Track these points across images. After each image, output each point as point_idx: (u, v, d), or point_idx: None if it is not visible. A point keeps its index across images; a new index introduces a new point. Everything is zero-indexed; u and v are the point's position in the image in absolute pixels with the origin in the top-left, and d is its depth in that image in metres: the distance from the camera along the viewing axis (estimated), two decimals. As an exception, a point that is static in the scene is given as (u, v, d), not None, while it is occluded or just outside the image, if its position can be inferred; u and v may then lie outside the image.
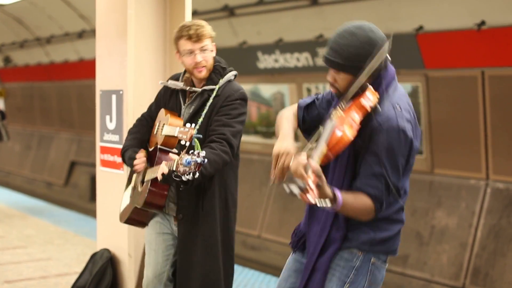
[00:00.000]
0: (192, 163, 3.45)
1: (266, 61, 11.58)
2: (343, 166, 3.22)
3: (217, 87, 4.10)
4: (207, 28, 4.10)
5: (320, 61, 10.42)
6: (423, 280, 9.29)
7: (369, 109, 3.10)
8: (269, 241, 11.99)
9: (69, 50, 16.83)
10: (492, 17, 8.16)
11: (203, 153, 3.48)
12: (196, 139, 3.81)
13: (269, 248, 11.95)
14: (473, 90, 8.76)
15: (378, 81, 3.20)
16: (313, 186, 2.84)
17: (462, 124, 9.09)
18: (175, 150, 4.05)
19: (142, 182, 4.17)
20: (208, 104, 4.06)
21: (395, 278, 9.45)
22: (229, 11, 11.40)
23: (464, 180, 9.20)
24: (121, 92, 5.36)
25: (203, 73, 4.10)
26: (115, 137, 5.43)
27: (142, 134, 4.33)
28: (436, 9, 8.70)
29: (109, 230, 5.60)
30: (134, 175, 4.35)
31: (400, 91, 3.27)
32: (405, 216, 3.36)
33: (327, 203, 2.99)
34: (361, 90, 3.14)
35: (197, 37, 4.03)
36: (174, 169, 3.55)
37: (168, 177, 3.68)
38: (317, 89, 11.15)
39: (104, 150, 5.60)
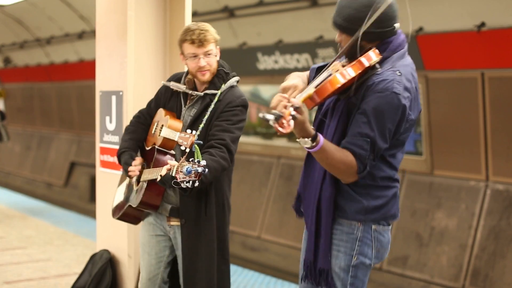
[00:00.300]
0: (193, 172, 3.44)
1: (266, 62, 11.59)
2: (335, 122, 3.22)
3: (219, 92, 4.10)
4: (211, 32, 4.08)
5: (320, 62, 10.43)
6: (423, 281, 9.29)
7: (367, 65, 3.10)
8: (268, 242, 11.99)
9: (69, 51, 16.84)
10: (492, 18, 8.16)
11: (203, 162, 3.46)
12: (196, 145, 3.81)
13: (268, 249, 11.95)
14: (473, 91, 8.76)
15: (384, 45, 3.21)
16: (289, 117, 2.86)
17: (462, 126, 9.10)
18: (173, 152, 4.05)
19: (138, 181, 4.17)
20: (210, 109, 4.05)
21: (394, 279, 9.46)
22: (229, 12, 11.41)
23: (464, 181, 9.20)
24: (121, 93, 5.36)
25: (207, 76, 4.10)
26: (115, 138, 5.43)
27: (138, 134, 4.30)
28: (436, 11, 8.71)
29: (108, 231, 5.60)
30: None
31: (407, 60, 3.26)
32: (398, 184, 3.34)
33: (306, 142, 3.01)
34: (365, 51, 3.16)
35: (200, 42, 4.02)
36: (173, 175, 3.54)
37: (167, 182, 3.67)
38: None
39: (104, 151, 5.60)
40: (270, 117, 2.86)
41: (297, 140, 3.02)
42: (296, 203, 3.59)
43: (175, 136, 3.92)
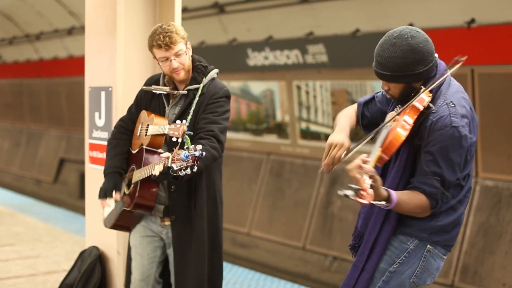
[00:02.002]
0: (190, 157, 3.43)
1: (256, 58, 11.57)
2: (402, 165, 3.28)
3: (201, 85, 4.11)
4: (177, 32, 4.05)
5: (310, 59, 10.43)
6: (413, 278, 9.31)
7: (421, 109, 3.17)
8: (258, 239, 11.99)
9: (58, 47, 16.79)
10: (482, 15, 8.18)
11: (199, 146, 3.47)
12: (187, 136, 3.80)
13: (258, 246, 11.95)
14: (463, 87, 8.77)
15: (430, 81, 3.26)
16: (368, 187, 2.93)
17: (452, 122, 9.11)
18: (161, 150, 4.03)
19: (128, 185, 4.15)
20: (195, 102, 4.06)
21: (384, 275, 9.47)
22: (219, 8, 11.39)
23: (454, 177, 9.22)
24: (110, 89, 5.34)
25: (181, 75, 4.09)
26: (104, 134, 5.41)
27: (121, 146, 4.28)
28: (426, 7, 8.71)
29: (98, 227, 5.57)
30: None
31: (454, 86, 3.33)
32: (465, 207, 3.36)
33: (381, 203, 3.09)
34: (415, 93, 3.23)
35: (167, 46, 4.01)
36: (169, 165, 3.52)
37: (165, 174, 3.65)
38: (307, 86, 11.16)
39: (93, 147, 5.58)
40: (350, 193, 2.95)
41: (369, 202, 3.03)
42: (356, 242, 3.53)
43: (165, 129, 3.89)
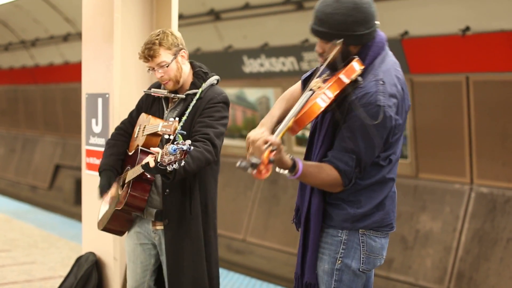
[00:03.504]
0: (178, 151, 3.44)
1: (251, 65, 11.60)
2: (322, 136, 3.17)
3: (200, 90, 4.12)
4: (162, 43, 4.03)
5: (305, 66, 10.46)
6: (408, 284, 9.32)
7: (347, 82, 3.01)
8: (254, 245, 11.99)
9: (54, 53, 16.79)
10: (476, 22, 8.21)
11: (188, 141, 3.47)
12: (179, 135, 3.80)
13: (254, 252, 11.95)
14: (458, 95, 8.81)
15: (364, 51, 3.12)
16: (267, 163, 2.83)
17: (447, 129, 9.14)
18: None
19: (122, 186, 4.16)
20: (191, 105, 4.07)
21: (379, 282, 9.48)
22: (215, 15, 11.42)
23: (449, 184, 9.25)
24: (107, 96, 5.36)
25: (169, 86, 4.11)
26: (101, 141, 5.43)
27: (119, 147, 4.29)
28: (421, 15, 8.75)
29: (94, 233, 5.57)
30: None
31: (389, 62, 3.17)
32: (390, 189, 3.22)
33: (285, 172, 2.99)
34: (347, 62, 3.07)
35: (147, 58, 4.04)
36: (159, 160, 3.53)
37: (155, 169, 3.65)
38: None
39: (90, 153, 5.59)
40: (246, 165, 2.83)
41: (276, 170, 2.99)
42: (296, 216, 3.45)
43: (158, 126, 3.89)
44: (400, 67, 3.23)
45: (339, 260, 3.15)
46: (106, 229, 4.33)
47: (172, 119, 3.91)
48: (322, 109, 2.98)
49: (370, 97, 2.99)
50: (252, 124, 12.41)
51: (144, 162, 3.73)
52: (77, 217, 11.83)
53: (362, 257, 3.16)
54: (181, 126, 3.98)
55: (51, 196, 18.30)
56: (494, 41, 8.18)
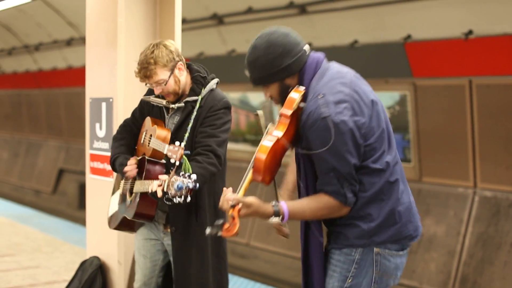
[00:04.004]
0: (184, 188, 3.46)
1: (255, 70, 11.59)
2: (304, 176, 3.19)
3: (199, 97, 4.08)
4: (157, 61, 3.97)
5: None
6: (411, 288, 9.32)
7: (290, 114, 3.08)
8: (257, 249, 11.99)
9: (57, 58, 16.82)
10: (479, 26, 8.22)
11: (194, 177, 3.48)
12: (184, 157, 3.81)
13: (258, 256, 11.95)
14: (461, 98, 8.81)
15: (301, 78, 3.18)
16: (231, 218, 2.97)
17: (450, 133, 9.14)
18: (163, 161, 4.04)
19: (131, 191, 4.17)
20: (193, 117, 4.04)
21: (383, 286, 9.47)
22: (218, 20, 11.43)
23: (452, 188, 9.24)
24: (111, 100, 5.37)
25: (170, 98, 4.09)
26: (105, 145, 5.44)
27: (127, 140, 4.30)
28: (424, 18, 8.76)
29: (98, 237, 5.59)
30: (122, 181, 4.35)
31: (329, 74, 3.17)
32: (399, 193, 3.15)
33: (275, 219, 3.04)
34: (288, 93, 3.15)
35: (142, 79, 4.03)
36: (165, 190, 3.55)
37: (159, 198, 3.69)
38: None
39: (94, 157, 5.60)
40: (214, 230, 3.00)
41: (268, 221, 3.04)
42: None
43: (164, 148, 3.87)
44: (350, 72, 3.23)
45: (350, 278, 3.13)
46: (117, 228, 4.36)
47: (177, 143, 3.85)
48: (269, 149, 3.04)
49: (313, 115, 3.02)
50: (255, 128, 12.41)
51: (151, 189, 3.74)
52: (81, 221, 11.82)
53: (375, 277, 3.13)
54: (184, 146, 3.95)
55: (54, 201, 18.32)
56: (497, 45, 8.18)
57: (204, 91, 4.11)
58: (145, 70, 3.98)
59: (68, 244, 8.96)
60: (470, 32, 8.27)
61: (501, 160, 8.72)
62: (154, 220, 4.20)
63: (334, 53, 10.03)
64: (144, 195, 4.00)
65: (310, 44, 10.64)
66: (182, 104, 4.10)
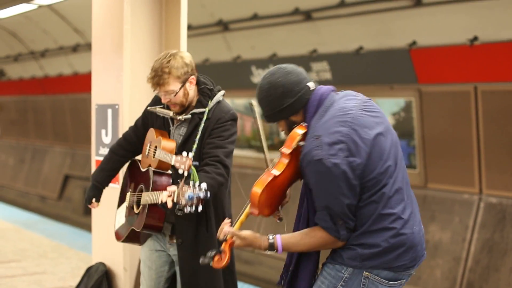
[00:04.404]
0: (195, 198, 3.47)
1: (260, 76, 11.61)
2: (305, 206, 3.29)
3: (207, 110, 4.07)
4: (172, 72, 3.98)
5: (313, 76, 10.48)
6: (417, 294, 9.30)
7: (289, 152, 3.21)
8: (263, 256, 11.98)
9: (63, 64, 16.86)
10: (484, 32, 8.22)
11: (204, 186, 3.49)
12: (193, 167, 3.82)
13: (263, 262, 11.95)
14: (466, 105, 8.81)
15: (304, 114, 3.28)
16: (223, 250, 3.17)
17: (455, 139, 9.14)
18: (169, 172, 4.05)
19: (138, 203, 4.17)
20: (201, 128, 4.04)
21: (388, 292, 9.47)
22: (223, 26, 11.45)
23: (458, 194, 9.24)
24: (116, 107, 5.38)
25: (176, 109, 4.09)
26: (111, 151, 5.45)
27: (114, 162, 4.41)
28: (429, 25, 8.76)
29: (104, 243, 5.61)
30: (128, 194, 4.35)
31: (332, 111, 3.20)
32: (399, 224, 3.14)
33: (269, 252, 3.20)
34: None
35: (154, 86, 4.02)
36: (175, 200, 3.57)
37: (170, 209, 3.71)
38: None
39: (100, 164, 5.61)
40: (207, 261, 3.21)
41: (266, 253, 3.19)
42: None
43: (171, 159, 3.87)
44: (356, 107, 3.22)
45: None
46: (125, 241, 4.36)
47: (185, 153, 3.86)
48: (265, 184, 3.22)
49: (307, 156, 3.09)
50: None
51: (161, 200, 3.75)
52: (86, 227, 11.84)
53: None
54: (193, 157, 3.96)
55: (60, 206, 18.34)
56: (502, 51, 8.18)
57: (211, 103, 4.10)
58: (158, 78, 3.97)
59: (74, 250, 8.98)
60: (476, 38, 8.27)
61: (506, 167, 8.71)
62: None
63: (340, 60, 10.05)
64: (152, 206, 4.00)
65: (315, 51, 10.66)
66: (189, 116, 4.10)
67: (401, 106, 9.63)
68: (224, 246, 3.17)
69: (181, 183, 3.56)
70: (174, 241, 4.15)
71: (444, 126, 9.28)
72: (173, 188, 3.64)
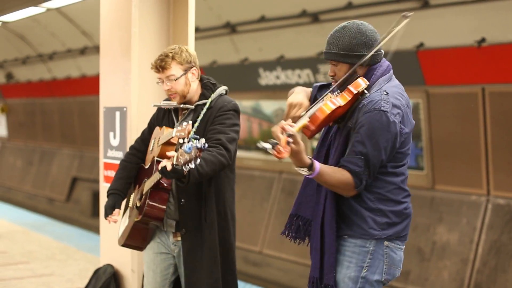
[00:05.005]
0: (193, 149, 3.47)
1: (267, 78, 11.64)
2: (336, 146, 3.47)
3: (209, 100, 4.19)
4: (175, 56, 4.14)
5: (321, 78, 10.49)
6: (425, 296, 9.30)
7: (355, 92, 3.37)
8: (270, 257, 12.00)
9: (71, 67, 16.90)
10: (492, 34, 8.21)
11: (203, 140, 3.50)
12: (193, 139, 3.82)
13: (270, 264, 11.96)
14: (474, 106, 8.81)
15: (370, 72, 3.48)
16: (285, 144, 3.13)
17: (463, 140, 9.13)
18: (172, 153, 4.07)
19: (140, 198, 4.19)
20: (202, 113, 4.13)
21: (396, 294, 9.47)
22: (231, 28, 11.47)
23: (465, 196, 9.23)
24: (124, 109, 5.40)
25: (176, 99, 4.19)
26: (119, 154, 5.48)
27: (129, 170, 4.40)
28: (437, 26, 8.76)
29: (112, 245, 5.62)
30: (132, 196, 4.38)
31: (394, 82, 3.50)
32: (409, 200, 3.51)
33: (303, 171, 3.27)
34: (354, 79, 3.43)
35: (157, 69, 4.15)
36: (175, 162, 3.57)
37: (170, 171, 3.69)
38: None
39: (108, 166, 5.64)
40: (267, 146, 3.17)
41: (295, 168, 3.27)
42: (291, 225, 3.78)
43: (172, 133, 3.90)
44: (405, 92, 3.52)
45: (365, 268, 3.42)
46: (126, 244, 4.37)
47: (185, 123, 3.90)
48: (331, 110, 3.34)
49: (374, 104, 3.32)
50: (268, 136, 12.42)
51: (161, 166, 3.75)
52: (94, 229, 11.88)
53: (385, 268, 3.44)
54: (194, 132, 4.02)
55: (68, 209, 18.38)
56: (510, 52, 8.17)
57: (214, 95, 4.23)
58: (161, 61, 4.12)
59: (82, 252, 9.00)
60: (483, 40, 8.27)
61: (514, 168, 8.70)
62: (163, 229, 4.22)
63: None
64: (153, 193, 4.04)
65: (322, 53, 10.62)
66: (192, 107, 4.20)
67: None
68: (283, 141, 3.16)
69: (180, 149, 3.58)
70: (179, 238, 4.17)
71: (451, 127, 9.27)
72: (173, 153, 3.67)
